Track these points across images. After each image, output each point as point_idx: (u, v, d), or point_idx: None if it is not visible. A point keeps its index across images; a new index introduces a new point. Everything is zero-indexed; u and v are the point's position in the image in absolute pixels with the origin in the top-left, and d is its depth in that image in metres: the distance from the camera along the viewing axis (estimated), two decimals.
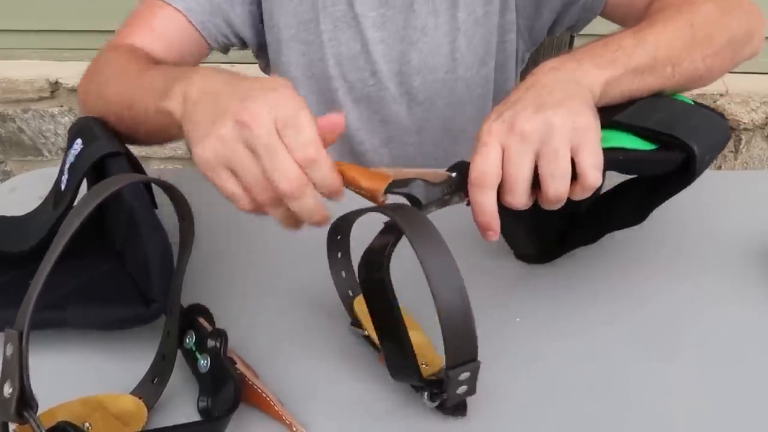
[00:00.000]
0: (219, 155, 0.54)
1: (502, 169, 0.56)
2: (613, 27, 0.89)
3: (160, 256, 0.62)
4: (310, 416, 0.58)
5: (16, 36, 1.89)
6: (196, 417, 0.58)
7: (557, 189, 0.56)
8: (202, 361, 0.59)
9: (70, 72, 1.88)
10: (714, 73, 0.71)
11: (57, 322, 0.63)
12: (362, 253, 0.56)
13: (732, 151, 1.84)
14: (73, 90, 1.88)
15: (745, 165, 1.86)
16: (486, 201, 0.56)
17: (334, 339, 0.66)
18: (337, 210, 0.59)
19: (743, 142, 1.81)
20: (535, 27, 0.95)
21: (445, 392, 0.54)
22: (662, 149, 0.62)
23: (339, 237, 0.63)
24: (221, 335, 0.58)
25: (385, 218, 0.55)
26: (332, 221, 0.59)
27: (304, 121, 0.53)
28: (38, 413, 0.47)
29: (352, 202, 0.58)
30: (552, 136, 0.55)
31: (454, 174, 0.59)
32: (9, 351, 0.46)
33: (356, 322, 0.65)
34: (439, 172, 0.59)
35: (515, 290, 0.71)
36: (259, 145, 0.53)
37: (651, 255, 0.75)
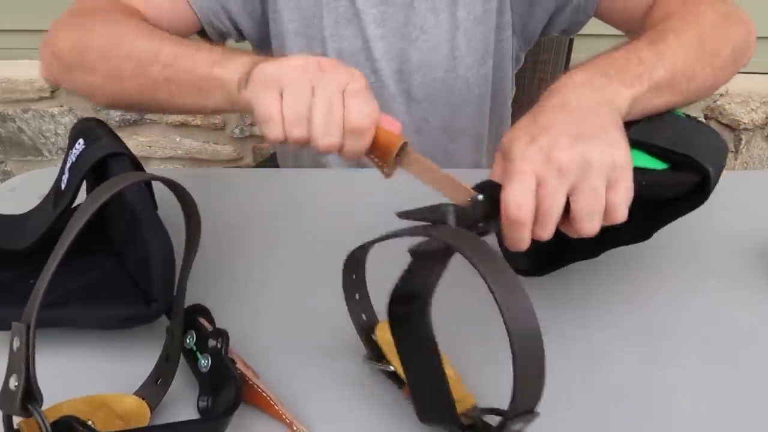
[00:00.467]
0: (283, 75, 0.57)
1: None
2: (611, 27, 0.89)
3: (162, 256, 0.63)
4: (310, 416, 0.58)
5: (16, 36, 1.89)
6: (196, 417, 0.59)
7: (594, 226, 0.54)
8: (203, 361, 0.59)
9: None
10: (717, 85, 0.71)
11: (57, 320, 0.63)
12: (395, 285, 0.51)
13: (732, 151, 1.84)
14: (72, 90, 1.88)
15: (745, 165, 1.85)
16: (524, 236, 0.54)
17: (336, 339, 0.66)
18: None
19: (743, 142, 1.81)
20: (528, 25, 0.95)
21: None
22: (675, 169, 0.61)
23: (354, 276, 0.59)
24: (222, 335, 0.58)
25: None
26: (347, 255, 0.56)
27: (372, 100, 0.57)
28: (42, 409, 0.47)
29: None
30: (590, 172, 0.53)
31: (480, 197, 0.54)
32: (16, 344, 0.47)
33: (372, 356, 0.60)
34: (461, 184, 0.55)
35: None
36: (323, 92, 0.56)
37: (650, 255, 0.75)
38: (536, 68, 1.17)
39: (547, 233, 0.54)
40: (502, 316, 0.44)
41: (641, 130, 0.61)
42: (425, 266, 0.50)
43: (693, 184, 0.62)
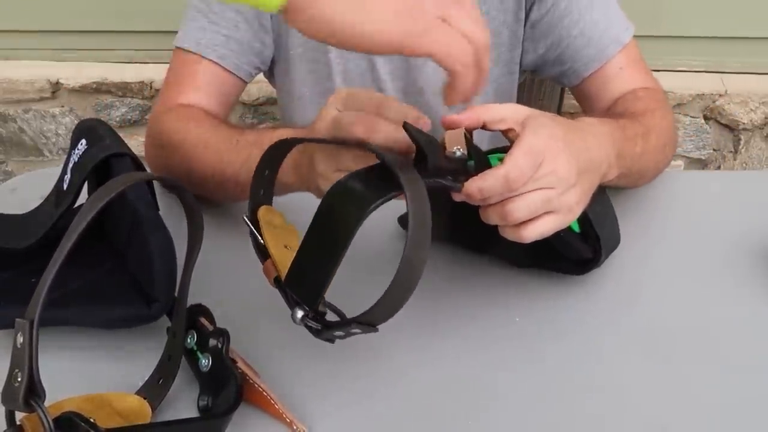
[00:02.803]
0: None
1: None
2: None
3: (163, 256, 0.63)
4: (310, 416, 0.58)
5: (16, 36, 1.89)
6: (196, 416, 0.59)
7: (519, 217, 0.57)
8: (204, 361, 0.59)
9: (71, 72, 1.88)
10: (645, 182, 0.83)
11: (59, 320, 0.63)
12: (354, 172, 0.53)
13: (731, 151, 1.84)
14: (73, 90, 1.88)
15: (744, 165, 1.85)
16: (498, 193, 0.56)
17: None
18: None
19: (742, 142, 1.81)
20: (522, 62, 0.97)
21: (322, 330, 0.53)
22: (582, 237, 0.67)
23: (276, 154, 0.61)
24: (223, 334, 0.58)
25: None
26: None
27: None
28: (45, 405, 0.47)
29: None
30: (559, 191, 0.57)
31: (458, 152, 0.59)
32: (19, 340, 0.47)
33: (251, 225, 0.62)
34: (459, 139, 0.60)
35: (515, 291, 0.71)
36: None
37: (651, 255, 0.75)
38: None
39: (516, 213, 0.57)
40: (406, 245, 0.47)
41: None
42: (381, 177, 0.52)
43: (581, 258, 0.69)
